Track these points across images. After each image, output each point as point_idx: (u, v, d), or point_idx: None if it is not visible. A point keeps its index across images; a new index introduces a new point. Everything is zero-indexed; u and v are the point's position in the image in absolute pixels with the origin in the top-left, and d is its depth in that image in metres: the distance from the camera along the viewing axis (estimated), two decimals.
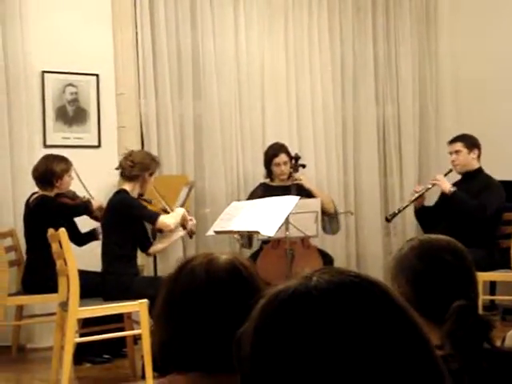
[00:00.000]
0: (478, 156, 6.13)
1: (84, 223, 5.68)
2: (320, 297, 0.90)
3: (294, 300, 0.91)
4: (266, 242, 6.00)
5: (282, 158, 6.30)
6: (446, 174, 6.16)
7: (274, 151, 6.33)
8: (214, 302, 1.58)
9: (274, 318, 0.91)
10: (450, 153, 6.17)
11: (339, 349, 0.87)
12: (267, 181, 6.43)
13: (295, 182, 6.25)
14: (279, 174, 6.32)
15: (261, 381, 0.90)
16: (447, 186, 6.00)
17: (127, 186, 5.05)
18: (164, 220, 5.00)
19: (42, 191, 5.47)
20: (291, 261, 5.47)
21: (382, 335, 0.88)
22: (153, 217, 5.01)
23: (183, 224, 5.23)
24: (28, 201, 5.47)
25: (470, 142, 6.10)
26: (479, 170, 6.12)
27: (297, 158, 6.31)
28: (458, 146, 6.10)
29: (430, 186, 6.15)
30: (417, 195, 6.09)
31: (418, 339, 0.91)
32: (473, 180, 6.04)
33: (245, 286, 1.61)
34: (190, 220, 5.27)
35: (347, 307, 0.89)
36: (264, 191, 6.18)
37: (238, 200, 6.25)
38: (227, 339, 1.50)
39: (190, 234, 5.45)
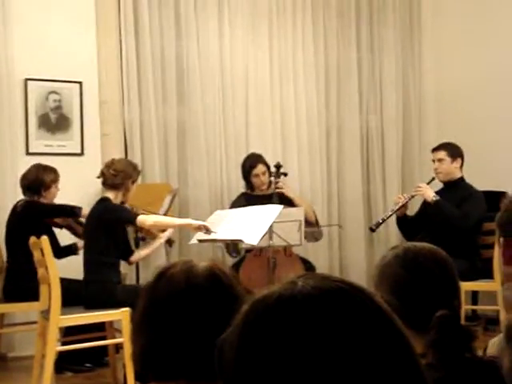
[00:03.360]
0: (461, 166, 6.15)
1: (64, 238, 5.66)
2: (305, 302, 0.90)
3: (279, 305, 0.91)
4: (248, 250, 6.00)
5: (260, 168, 6.28)
6: (428, 183, 6.16)
7: (251, 163, 6.30)
8: (193, 308, 1.57)
9: (259, 323, 0.91)
10: (433, 160, 6.19)
11: (324, 354, 0.86)
12: (248, 191, 6.41)
13: (277, 191, 6.23)
14: (259, 185, 6.30)
15: None
16: (430, 194, 6.00)
17: (110, 195, 5.04)
18: (143, 217, 4.96)
19: (28, 199, 5.47)
20: (273, 269, 5.47)
21: (366, 341, 0.88)
22: (131, 217, 4.97)
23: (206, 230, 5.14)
24: (15, 207, 5.46)
25: (454, 151, 6.12)
26: (461, 180, 6.14)
27: (278, 166, 6.27)
28: (442, 154, 6.12)
29: (413, 194, 6.16)
30: (400, 204, 6.08)
31: (403, 346, 0.91)
32: (455, 189, 6.06)
33: (225, 293, 1.61)
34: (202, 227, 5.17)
35: (332, 312, 0.89)
36: (246, 201, 6.15)
37: (222, 208, 6.25)
38: (207, 346, 1.50)
39: (169, 242, 5.46)
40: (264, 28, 7.00)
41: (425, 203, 6.15)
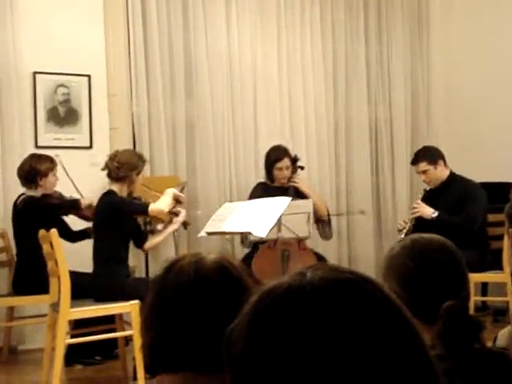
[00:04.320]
0: (445, 164, 6.04)
1: (75, 224, 5.67)
2: (314, 292, 0.90)
3: (288, 295, 0.91)
4: (262, 242, 5.97)
5: (285, 162, 6.24)
6: (422, 198, 5.98)
7: (278, 155, 6.24)
8: (202, 301, 1.57)
9: (268, 313, 0.91)
10: (418, 173, 6.10)
11: (333, 345, 0.86)
12: (267, 181, 6.39)
13: (293, 184, 6.24)
14: (280, 178, 6.27)
15: (254, 377, 0.89)
16: (428, 212, 5.85)
17: (115, 187, 5.01)
18: (155, 206, 4.95)
19: (26, 190, 5.47)
20: (286, 262, 5.46)
21: (375, 332, 0.88)
22: (144, 207, 4.96)
23: (177, 201, 5.17)
24: (15, 202, 5.47)
25: (432, 156, 5.98)
26: (451, 176, 6.04)
27: (295, 159, 6.28)
28: (423, 166, 5.98)
29: (412, 217, 5.95)
30: (405, 231, 5.87)
31: (412, 337, 0.91)
32: (449, 188, 5.95)
33: (233, 285, 1.61)
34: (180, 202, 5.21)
35: (341, 303, 0.89)
36: (263, 191, 6.15)
37: (231, 201, 6.25)
38: (217, 338, 1.50)
39: (184, 225, 5.46)
40: (272, 20, 6.98)
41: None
